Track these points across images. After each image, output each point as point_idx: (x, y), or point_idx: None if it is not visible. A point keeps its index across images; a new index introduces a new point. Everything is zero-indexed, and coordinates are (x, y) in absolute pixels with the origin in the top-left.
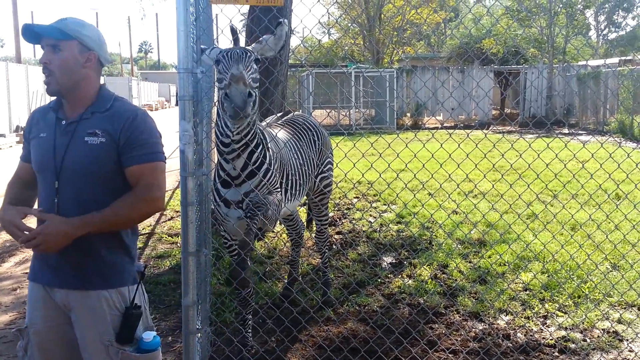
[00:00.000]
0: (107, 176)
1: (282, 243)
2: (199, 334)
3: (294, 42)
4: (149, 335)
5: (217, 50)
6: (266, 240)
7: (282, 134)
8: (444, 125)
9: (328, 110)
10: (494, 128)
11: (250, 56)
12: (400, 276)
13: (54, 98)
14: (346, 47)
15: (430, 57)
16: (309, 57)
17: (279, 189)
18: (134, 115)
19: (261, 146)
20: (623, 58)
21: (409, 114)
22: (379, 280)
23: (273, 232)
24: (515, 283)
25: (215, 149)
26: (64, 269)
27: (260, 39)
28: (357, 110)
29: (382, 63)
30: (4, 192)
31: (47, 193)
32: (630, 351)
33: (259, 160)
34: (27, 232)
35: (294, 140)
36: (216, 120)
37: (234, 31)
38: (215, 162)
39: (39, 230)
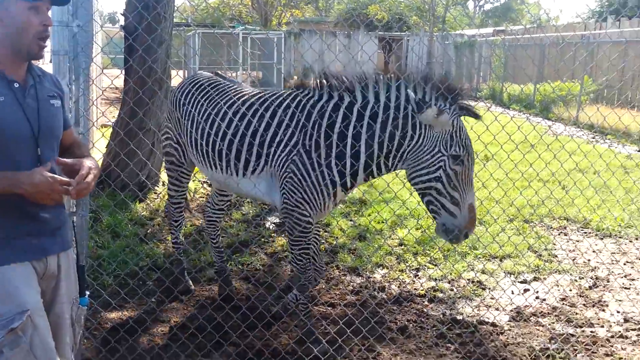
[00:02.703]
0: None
1: (162, 203)
2: None
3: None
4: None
5: (449, 121)
6: (148, 201)
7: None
8: None
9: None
10: None
11: None
12: (283, 235)
13: None
14: (234, 8)
15: (318, 21)
16: (195, 17)
17: None
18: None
19: None
20: (496, 28)
21: (296, 77)
22: (263, 239)
23: (155, 192)
24: (392, 239)
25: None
26: (59, 232)
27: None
28: (244, 72)
29: (270, 25)
30: None
31: (27, 162)
32: (492, 299)
33: None
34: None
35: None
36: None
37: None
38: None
39: (91, 165)
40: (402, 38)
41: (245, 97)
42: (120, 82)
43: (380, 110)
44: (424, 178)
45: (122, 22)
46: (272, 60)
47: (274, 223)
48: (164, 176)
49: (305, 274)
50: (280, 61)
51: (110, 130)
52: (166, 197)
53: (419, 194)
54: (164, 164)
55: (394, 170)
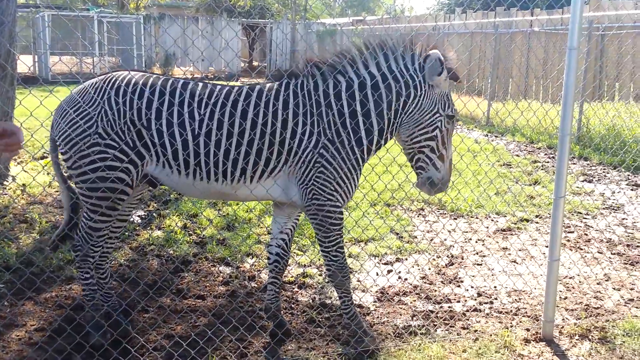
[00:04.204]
0: None
1: (13, 200)
2: None
3: None
4: None
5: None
6: None
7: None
8: (194, 76)
9: (68, 57)
10: (241, 80)
11: None
12: (149, 228)
13: None
14: None
15: (178, 6)
16: None
17: None
18: None
19: None
20: (355, 18)
21: (158, 64)
22: (127, 233)
23: (3, 187)
24: (260, 227)
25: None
26: None
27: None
28: (101, 57)
29: (128, 9)
30: None
31: None
32: (357, 281)
33: None
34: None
35: None
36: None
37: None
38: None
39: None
40: (266, 25)
41: (239, 95)
42: None
43: (381, 82)
44: (422, 137)
45: None
46: (131, 46)
47: (138, 216)
48: (13, 170)
49: (344, 270)
50: (140, 47)
51: None
52: (16, 193)
53: (409, 153)
54: (93, 191)
55: (396, 133)
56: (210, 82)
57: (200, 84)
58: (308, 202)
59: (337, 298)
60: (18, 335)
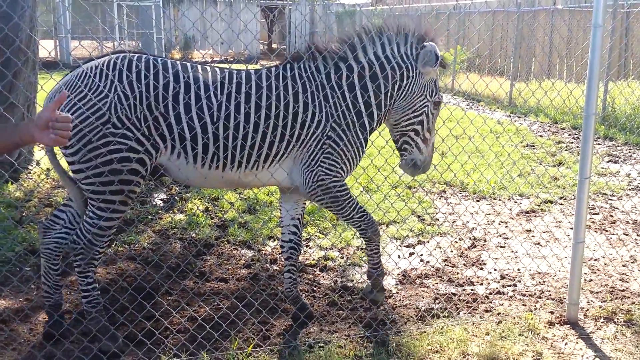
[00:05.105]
0: None
1: (37, 184)
2: None
3: None
4: None
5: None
6: (22, 182)
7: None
8: (213, 59)
9: (88, 42)
10: (261, 63)
11: None
12: (171, 212)
13: None
14: None
15: None
16: None
17: None
18: None
19: None
20: None
21: (177, 47)
22: (150, 217)
23: (27, 172)
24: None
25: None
26: None
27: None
28: (121, 42)
29: None
30: None
31: None
32: None
33: None
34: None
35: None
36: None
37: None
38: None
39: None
40: (284, 7)
41: (244, 79)
42: None
43: (377, 67)
44: (410, 122)
45: None
46: (150, 30)
47: (161, 200)
48: (37, 154)
49: (373, 226)
50: (160, 30)
51: None
52: (41, 177)
53: (395, 135)
54: (107, 186)
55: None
56: (216, 65)
57: (208, 67)
58: (312, 185)
59: (356, 281)
60: (45, 318)
